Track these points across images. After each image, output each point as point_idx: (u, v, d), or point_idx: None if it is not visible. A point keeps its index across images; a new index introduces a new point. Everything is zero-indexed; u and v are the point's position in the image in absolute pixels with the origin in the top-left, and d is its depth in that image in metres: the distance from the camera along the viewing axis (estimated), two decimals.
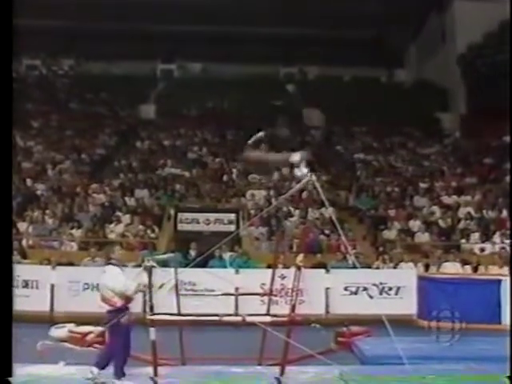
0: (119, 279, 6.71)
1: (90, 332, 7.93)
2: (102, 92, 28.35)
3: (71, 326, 8.69)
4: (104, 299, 6.85)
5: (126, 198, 17.75)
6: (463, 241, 15.74)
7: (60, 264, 12.66)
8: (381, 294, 12.15)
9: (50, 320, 10.33)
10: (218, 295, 9.77)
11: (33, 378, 6.38)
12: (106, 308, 6.82)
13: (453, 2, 27.11)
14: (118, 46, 30.05)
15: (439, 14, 28.70)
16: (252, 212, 16.32)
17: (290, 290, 7.63)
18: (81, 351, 7.95)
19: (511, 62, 17.46)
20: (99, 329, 8.18)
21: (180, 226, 15.93)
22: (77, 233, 15.61)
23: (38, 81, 29.78)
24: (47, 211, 16.44)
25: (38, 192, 17.90)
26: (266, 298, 8.31)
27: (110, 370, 6.71)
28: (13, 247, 11.08)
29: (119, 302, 6.69)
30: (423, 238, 15.87)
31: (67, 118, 25.59)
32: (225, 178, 19.95)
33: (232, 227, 15.31)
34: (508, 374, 5.66)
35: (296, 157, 6.24)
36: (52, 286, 11.77)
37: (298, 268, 6.15)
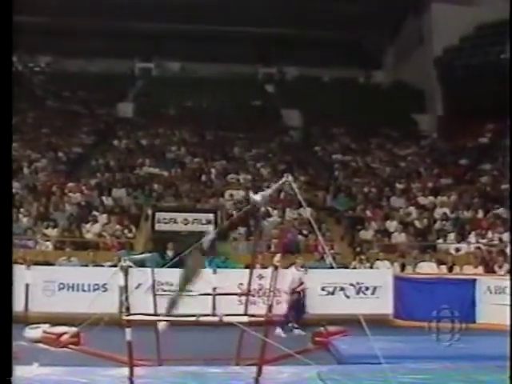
0: None
1: (65, 333, 7.84)
2: (79, 90, 28.05)
3: (46, 327, 8.57)
4: None
5: (103, 198, 17.59)
6: (439, 241, 15.90)
7: (35, 263, 12.50)
8: (357, 293, 12.21)
9: (24, 320, 10.18)
10: (196, 295, 9.70)
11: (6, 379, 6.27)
12: None
13: (430, 4, 27.42)
14: (96, 43, 29.79)
15: (417, 16, 28.99)
16: (230, 212, 16.29)
17: (267, 290, 7.62)
18: (55, 352, 7.85)
19: (511, 63, 17.54)
20: (74, 329, 8.08)
21: (158, 226, 15.79)
22: (52, 232, 15.42)
23: (14, 77, 29.25)
24: (22, 210, 16.22)
25: (13, 190, 17.63)
26: (243, 298, 8.29)
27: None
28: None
29: None
30: (400, 238, 15.99)
31: (44, 116, 25.28)
32: (203, 177, 19.89)
33: (210, 227, 15.24)
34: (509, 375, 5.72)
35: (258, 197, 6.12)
36: (27, 286, 11.60)
37: (276, 268, 6.14)
